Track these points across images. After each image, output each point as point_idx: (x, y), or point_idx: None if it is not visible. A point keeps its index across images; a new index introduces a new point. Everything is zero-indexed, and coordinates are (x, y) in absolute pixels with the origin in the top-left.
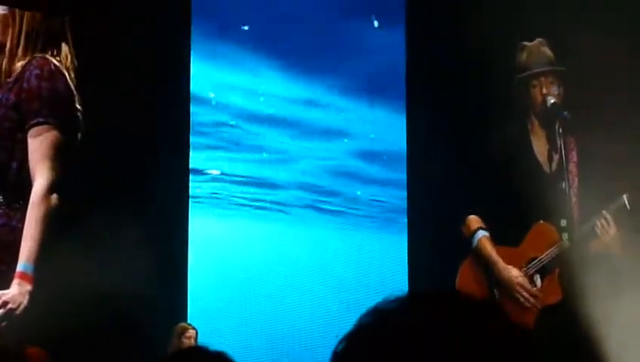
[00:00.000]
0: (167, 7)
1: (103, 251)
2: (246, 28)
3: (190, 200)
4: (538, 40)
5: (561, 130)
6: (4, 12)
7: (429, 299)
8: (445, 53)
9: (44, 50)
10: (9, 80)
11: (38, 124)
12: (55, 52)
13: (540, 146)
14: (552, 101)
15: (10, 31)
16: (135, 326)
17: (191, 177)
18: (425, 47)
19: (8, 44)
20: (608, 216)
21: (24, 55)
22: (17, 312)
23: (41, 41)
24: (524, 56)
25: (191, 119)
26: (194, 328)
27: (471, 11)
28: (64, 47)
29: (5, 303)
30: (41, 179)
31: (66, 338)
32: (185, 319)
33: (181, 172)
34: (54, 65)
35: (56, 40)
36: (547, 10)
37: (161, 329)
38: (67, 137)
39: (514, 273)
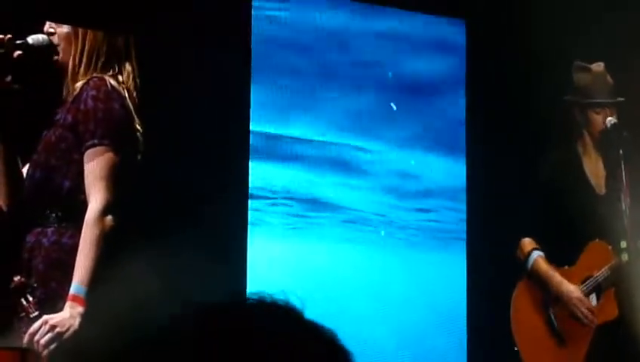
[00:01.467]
0: (230, 26)
1: (159, 273)
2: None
3: (249, 221)
4: (601, 65)
5: (621, 151)
6: (67, 30)
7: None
8: (501, 72)
9: (105, 69)
10: (68, 100)
11: (93, 145)
12: (117, 71)
13: (592, 167)
14: (613, 122)
15: (72, 50)
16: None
17: (250, 199)
18: (482, 66)
19: (70, 63)
20: None
21: (85, 74)
22: (67, 336)
23: (103, 59)
24: (586, 79)
25: (251, 140)
26: None
27: (523, 30)
28: (127, 66)
29: (53, 327)
30: (95, 200)
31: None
32: None
33: (240, 194)
34: (111, 85)
35: (119, 59)
36: (599, 32)
37: None
38: (123, 158)
39: (571, 288)
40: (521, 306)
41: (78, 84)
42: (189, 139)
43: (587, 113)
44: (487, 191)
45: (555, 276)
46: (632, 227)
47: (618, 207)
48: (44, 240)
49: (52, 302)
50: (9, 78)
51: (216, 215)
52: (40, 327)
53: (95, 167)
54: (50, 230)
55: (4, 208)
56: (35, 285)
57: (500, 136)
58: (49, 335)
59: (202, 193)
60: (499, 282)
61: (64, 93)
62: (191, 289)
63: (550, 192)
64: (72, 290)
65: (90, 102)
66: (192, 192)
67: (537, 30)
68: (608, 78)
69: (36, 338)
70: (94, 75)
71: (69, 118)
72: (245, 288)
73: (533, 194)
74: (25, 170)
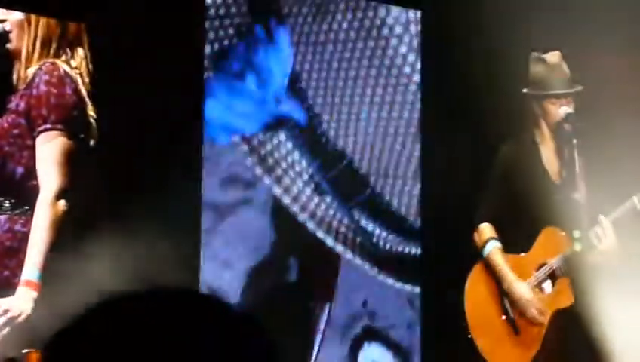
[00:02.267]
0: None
1: (113, 256)
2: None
3: (202, 204)
4: (557, 54)
5: (575, 141)
6: (19, 17)
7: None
8: (457, 62)
9: (57, 55)
10: (20, 86)
11: (45, 130)
12: (69, 56)
13: (549, 156)
14: (568, 111)
15: (26, 37)
16: None
17: (203, 180)
18: (437, 54)
19: (24, 50)
20: (605, 224)
21: (39, 60)
22: (19, 319)
23: (56, 45)
24: (542, 70)
25: (205, 121)
26: None
27: (480, 22)
28: (80, 52)
29: (6, 311)
30: (47, 185)
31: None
32: None
33: (194, 178)
34: (64, 70)
35: (72, 44)
36: (555, 21)
37: None
38: (76, 143)
39: (522, 290)
40: (476, 292)
41: (31, 70)
42: (142, 123)
43: (543, 104)
44: (443, 176)
45: (509, 274)
46: (586, 216)
47: (572, 197)
48: None
49: (5, 289)
50: None
51: (169, 199)
52: None
53: (47, 152)
54: (2, 218)
55: None
56: None
57: (457, 124)
58: (1, 319)
59: (155, 177)
60: (453, 268)
61: (15, 79)
62: (145, 272)
63: (507, 179)
64: (26, 275)
65: (42, 86)
66: (145, 176)
67: (493, 20)
68: (564, 67)
69: None
70: (46, 60)
71: (22, 104)
72: (198, 272)
73: (490, 182)
74: None
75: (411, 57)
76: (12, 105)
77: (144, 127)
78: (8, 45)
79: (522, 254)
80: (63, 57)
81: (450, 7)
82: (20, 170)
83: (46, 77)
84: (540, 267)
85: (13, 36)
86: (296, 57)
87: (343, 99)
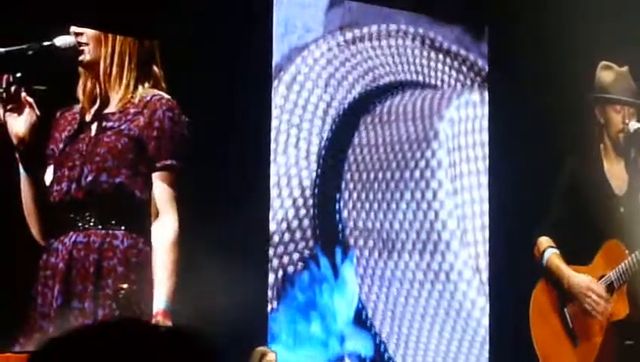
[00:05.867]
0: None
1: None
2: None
3: (271, 223)
4: (625, 67)
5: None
6: (96, 32)
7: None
8: (523, 75)
9: (138, 74)
10: (128, 110)
11: (172, 166)
12: (149, 75)
13: (611, 168)
14: (637, 127)
15: (102, 50)
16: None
17: (271, 210)
18: (503, 60)
19: (102, 64)
20: None
21: (119, 76)
22: None
23: (134, 62)
24: (610, 77)
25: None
26: (274, 351)
27: (543, 33)
28: (155, 70)
29: None
30: (173, 221)
31: None
32: (265, 342)
33: (262, 203)
34: (178, 106)
35: (148, 62)
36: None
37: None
38: (187, 178)
39: (582, 278)
40: (539, 307)
41: (139, 96)
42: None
43: (607, 112)
44: (507, 191)
45: (567, 269)
46: None
47: (636, 210)
48: (116, 242)
49: (130, 304)
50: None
51: (240, 212)
52: None
53: (170, 188)
54: (119, 233)
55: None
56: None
57: (521, 135)
58: None
59: (224, 197)
60: (519, 283)
61: (116, 99)
62: (213, 289)
63: (569, 192)
64: (163, 305)
65: (167, 122)
66: (215, 196)
67: (559, 33)
68: (631, 80)
69: None
70: (156, 93)
71: (136, 129)
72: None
73: (553, 194)
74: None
75: (481, 301)
76: (120, 125)
77: (217, 152)
78: (84, 58)
79: (583, 266)
80: (150, 81)
81: (516, 21)
82: (137, 194)
83: (170, 113)
84: (600, 279)
85: (90, 49)
86: (362, 289)
87: (410, 331)
